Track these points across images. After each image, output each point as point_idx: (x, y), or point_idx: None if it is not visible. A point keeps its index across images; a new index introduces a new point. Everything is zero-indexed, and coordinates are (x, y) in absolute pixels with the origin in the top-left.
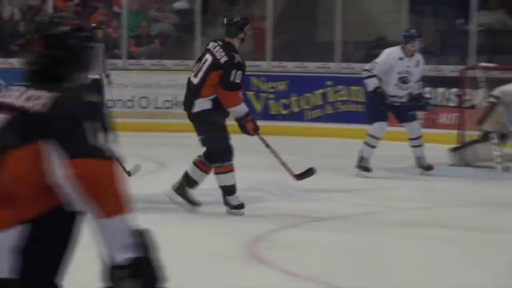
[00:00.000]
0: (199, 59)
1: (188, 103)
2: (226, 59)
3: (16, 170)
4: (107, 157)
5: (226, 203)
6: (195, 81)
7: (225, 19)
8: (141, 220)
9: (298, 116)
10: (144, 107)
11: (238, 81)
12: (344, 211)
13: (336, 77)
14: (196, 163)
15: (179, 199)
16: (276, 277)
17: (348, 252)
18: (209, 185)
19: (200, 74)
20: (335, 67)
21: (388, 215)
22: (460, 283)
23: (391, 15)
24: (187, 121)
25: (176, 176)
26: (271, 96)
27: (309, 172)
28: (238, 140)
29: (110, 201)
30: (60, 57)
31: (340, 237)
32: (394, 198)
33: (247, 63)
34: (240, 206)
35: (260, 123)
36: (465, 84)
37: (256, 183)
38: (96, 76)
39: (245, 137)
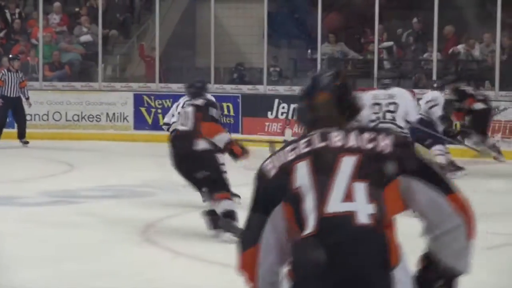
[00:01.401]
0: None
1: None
2: (203, 101)
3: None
4: None
5: (225, 226)
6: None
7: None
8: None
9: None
10: (57, 120)
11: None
12: None
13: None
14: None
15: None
16: (164, 256)
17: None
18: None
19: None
20: (211, 88)
21: None
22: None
23: (254, 46)
24: (91, 131)
25: (83, 175)
26: (159, 111)
27: None
28: None
29: None
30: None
31: None
32: None
33: (140, 85)
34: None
35: (151, 132)
36: None
37: (147, 181)
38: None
39: None
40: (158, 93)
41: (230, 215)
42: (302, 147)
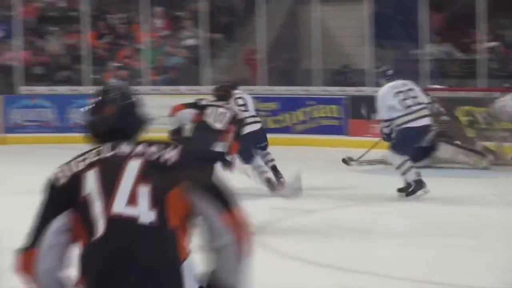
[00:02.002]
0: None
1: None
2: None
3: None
4: None
5: None
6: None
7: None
8: None
9: (287, 130)
10: (165, 124)
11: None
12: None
13: (316, 97)
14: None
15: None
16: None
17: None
18: None
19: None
20: (315, 90)
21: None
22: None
23: (357, 48)
24: None
25: None
26: (264, 113)
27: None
28: None
29: None
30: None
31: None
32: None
33: (245, 87)
34: None
35: None
36: None
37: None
38: None
39: None
40: (262, 96)
41: None
42: (92, 157)
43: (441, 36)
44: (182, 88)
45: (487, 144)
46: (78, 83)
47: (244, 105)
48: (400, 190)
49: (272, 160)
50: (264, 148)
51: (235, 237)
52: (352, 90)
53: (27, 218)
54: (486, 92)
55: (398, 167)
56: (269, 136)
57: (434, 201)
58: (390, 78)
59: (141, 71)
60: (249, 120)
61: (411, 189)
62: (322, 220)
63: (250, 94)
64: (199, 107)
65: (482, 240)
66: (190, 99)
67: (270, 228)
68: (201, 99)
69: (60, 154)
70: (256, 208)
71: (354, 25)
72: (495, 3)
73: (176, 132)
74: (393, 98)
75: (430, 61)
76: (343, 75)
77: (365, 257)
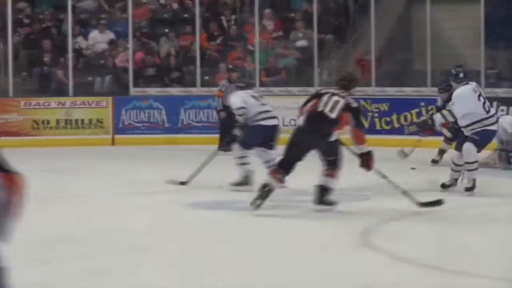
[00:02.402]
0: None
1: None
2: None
3: None
4: None
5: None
6: (332, 116)
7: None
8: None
9: (398, 131)
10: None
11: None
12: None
13: (428, 99)
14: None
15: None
16: (383, 261)
17: (442, 239)
18: None
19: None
20: (427, 91)
21: (472, 209)
22: None
23: (470, 48)
24: None
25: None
26: (376, 115)
27: (436, 203)
28: None
29: None
30: None
31: (437, 228)
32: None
33: (357, 89)
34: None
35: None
36: None
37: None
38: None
39: None
40: (374, 97)
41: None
42: None
43: None
44: (293, 89)
45: None
46: (190, 84)
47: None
48: (444, 186)
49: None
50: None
51: (10, 196)
52: None
53: (139, 218)
54: None
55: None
56: (380, 137)
57: None
58: (463, 81)
59: (252, 73)
60: (268, 114)
61: (471, 186)
62: (431, 221)
63: (361, 96)
64: (317, 95)
65: None
66: (302, 100)
67: (377, 230)
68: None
69: (170, 155)
70: (363, 210)
71: (466, 26)
72: None
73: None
74: (476, 100)
75: None
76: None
77: (474, 259)
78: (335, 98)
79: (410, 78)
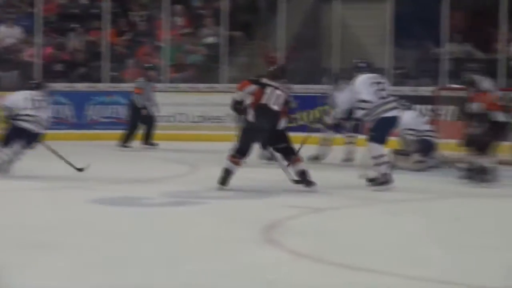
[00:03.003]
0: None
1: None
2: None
3: None
4: None
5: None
6: (276, 108)
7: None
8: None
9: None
10: (182, 122)
11: None
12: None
13: None
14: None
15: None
16: (285, 257)
17: (343, 236)
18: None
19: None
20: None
21: (376, 206)
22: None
23: (378, 46)
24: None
25: (206, 177)
26: None
27: (306, 182)
28: None
29: None
30: None
31: (336, 224)
32: (381, 193)
33: None
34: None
35: None
36: (438, 102)
37: (267, 181)
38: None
39: None
40: None
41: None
42: None
43: (461, 35)
44: (201, 86)
45: None
46: (97, 80)
47: None
48: (370, 180)
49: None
50: None
51: None
52: None
53: (40, 213)
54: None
55: (375, 159)
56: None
57: (444, 199)
58: (362, 70)
59: (161, 69)
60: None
61: (380, 181)
62: (335, 218)
63: None
64: (261, 85)
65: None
66: (208, 97)
67: (281, 226)
68: (262, 76)
69: (77, 151)
70: (268, 206)
71: (374, 24)
72: None
73: (239, 103)
74: (368, 87)
75: (449, 60)
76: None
77: (373, 255)
78: (278, 92)
79: (318, 76)
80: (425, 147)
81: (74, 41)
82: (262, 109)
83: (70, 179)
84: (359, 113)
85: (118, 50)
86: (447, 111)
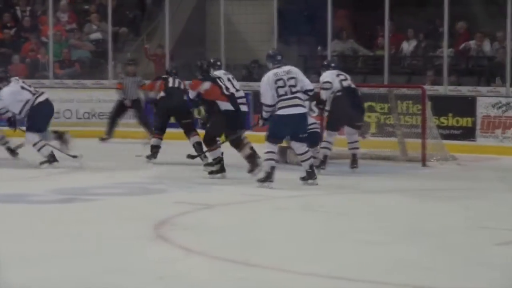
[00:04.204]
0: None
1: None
2: None
3: None
4: None
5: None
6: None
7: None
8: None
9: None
10: (68, 118)
11: None
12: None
13: None
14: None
15: None
16: (176, 253)
17: (234, 232)
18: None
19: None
20: None
21: (265, 202)
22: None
23: (264, 43)
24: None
25: (93, 173)
26: None
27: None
28: None
29: None
30: None
31: (227, 220)
32: (271, 189)
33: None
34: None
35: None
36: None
37: (159, 178)
38: None
39: None
40: None
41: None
42: None
43: (346, 32)
44: (87, 82)
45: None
46: None
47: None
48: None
49: None
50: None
51: None
52: (256, 86)
53: None
54: (390, 88)
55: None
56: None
57: (335, 195)
58: (280, 64)
59: (46, 65)
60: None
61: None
62: (226, 214)
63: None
64: (212, 79)
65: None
66: (95, 93)
67: (172, 222)
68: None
69: None
70: (160, 202)
71: (260, 20)
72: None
73: (195, 102)
74: (271, 84)
75: (334, 57)
76: (248, 70)
77: (265, 251)
78: (227, 77)
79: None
80: (313, 140)
81: None
82: (234, 97)
83: None
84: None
85: (3, 46)
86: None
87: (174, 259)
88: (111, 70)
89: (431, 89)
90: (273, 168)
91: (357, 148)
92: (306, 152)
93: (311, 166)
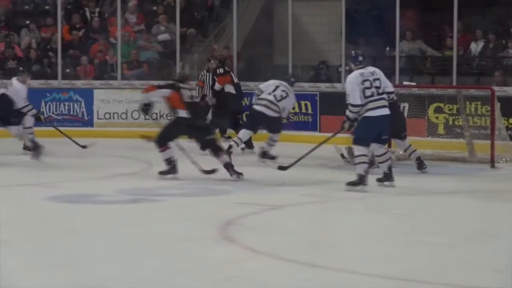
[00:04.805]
0: None
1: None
2: None
3: None
4: None
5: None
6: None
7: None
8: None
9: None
10: (136, 119)
11: None
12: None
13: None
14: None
15: None
16: (243, 254)
17: (300, 233)
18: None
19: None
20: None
21: (332, 204)
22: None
23: (331, 44)
24: None
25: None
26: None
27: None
28: None
29: None
30: None
31: (293, 221)
32: (338, 190)
33: None
34: None
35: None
36: None
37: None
38: None
39: None
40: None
41: None
42: None
43: (413, 33)
44: (154, 82)
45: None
46: (51, 77)
47: None
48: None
49: None
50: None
51: None
52: (324, 87)
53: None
54: (458, 89)
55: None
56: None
57: (402, 197)
58: (363, 65)
59: (115, 66)
60: None
61: (355, 181)
62: (292, 215)
63: None
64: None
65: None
66: None
67: (238, 223)
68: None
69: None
70: (226, 203)
71: (328, 21)
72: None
73: (146, 105)
74: (358, 85)
75: (402, 58)
76: (315, 71)
77: (330, 252)
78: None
79: (272, 73)
80: None
81: (27, 38)
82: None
83: (25, 177)
84: None
85: (71, 47)
86: (403, 108)
87: (240, 260)
88: (179, 71)
89: (499, 90)
90: (367, 171)
91: (414, 150)
92: (385, 153)
93: (389, 168)
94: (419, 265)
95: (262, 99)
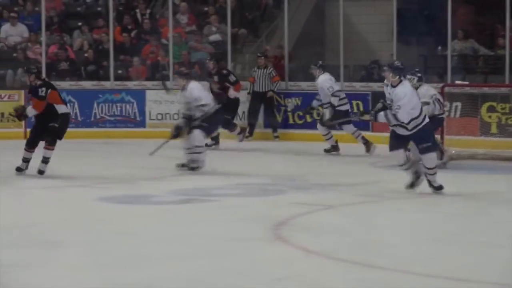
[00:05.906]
0: None
1: None
2: None
3: None
4: None
5: None
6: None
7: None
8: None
9: (311, 125)
10: None
11: None
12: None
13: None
14: None
15: None
16: (295, 254)
17: (353, 233)
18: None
19: None
20: (340, 85)
21: (384, 203)
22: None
23: (383, 44)
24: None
25: (214, 174)
26: (288, 109)
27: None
28: None
29: None
30: None
31: (345, 221)
32: (389, 190)
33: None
34: None
35: (280, 131)
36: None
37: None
38: None
39: None
40: (287, 91)
41: None
42: None
43: (466, 32)
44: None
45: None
46: (103, 78)
47: None
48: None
49: None
50: None
51: None
52: (376, 86)
53: (51, 211)
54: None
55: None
56: (294, 131)
57: (454, 196)
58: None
59: (167, 66)
60: None
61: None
62: (345, 215)
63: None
64: None
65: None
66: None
67: (291, 223)
68: None
69: (84, 149)
70: (279, 203)
71: (379, 20)
72: None
73: None
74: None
75: (454, 57)
76: (367, 70)
77: (383, 252)
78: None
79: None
80: None
81: (79, 39)
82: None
83: (78, 178)
84: None
85: (123, 48)
86: (456, 108)
87: (293, 260)
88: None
89: None
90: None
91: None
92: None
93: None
94: (467, 264)
95: (343, 98)
